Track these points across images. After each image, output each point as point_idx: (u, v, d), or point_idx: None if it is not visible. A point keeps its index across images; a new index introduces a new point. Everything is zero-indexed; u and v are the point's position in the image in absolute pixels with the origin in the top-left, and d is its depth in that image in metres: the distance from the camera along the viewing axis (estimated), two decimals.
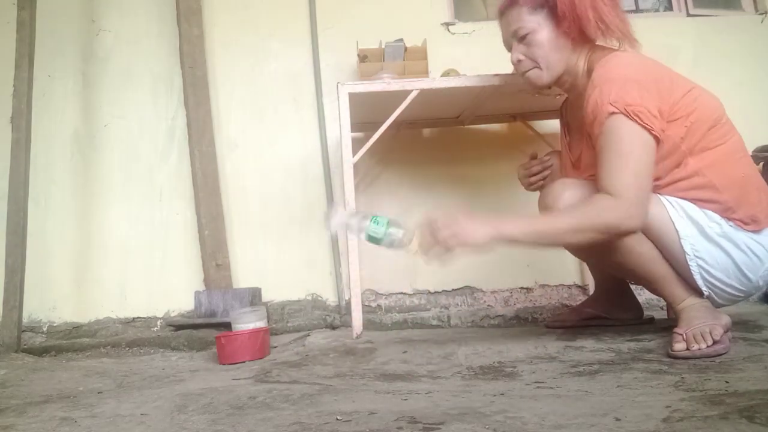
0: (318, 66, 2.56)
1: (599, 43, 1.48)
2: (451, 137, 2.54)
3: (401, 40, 2.20)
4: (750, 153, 2.25)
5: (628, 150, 1.30)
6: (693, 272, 1.34)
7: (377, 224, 1.31)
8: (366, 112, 2.07)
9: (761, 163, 2.25)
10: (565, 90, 1.59)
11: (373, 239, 1.32)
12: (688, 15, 2.74)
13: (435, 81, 1.90)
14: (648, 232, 1.36)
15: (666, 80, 1.36)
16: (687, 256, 1.33)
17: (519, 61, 1.51)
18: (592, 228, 1.29)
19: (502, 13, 1.53)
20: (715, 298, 1.38)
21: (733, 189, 1.34)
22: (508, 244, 1.30)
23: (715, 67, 2.62)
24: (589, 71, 1.43)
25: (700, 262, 1.33)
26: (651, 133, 1.30)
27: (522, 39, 1.49)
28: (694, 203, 1.35)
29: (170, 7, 2.56)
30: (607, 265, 1.53)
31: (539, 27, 1.46)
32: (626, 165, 1.29)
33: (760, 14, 2.74)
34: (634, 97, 1.30)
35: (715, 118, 1.37)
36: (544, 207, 1.47)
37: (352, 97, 1.88)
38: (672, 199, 1.36)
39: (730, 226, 1.33)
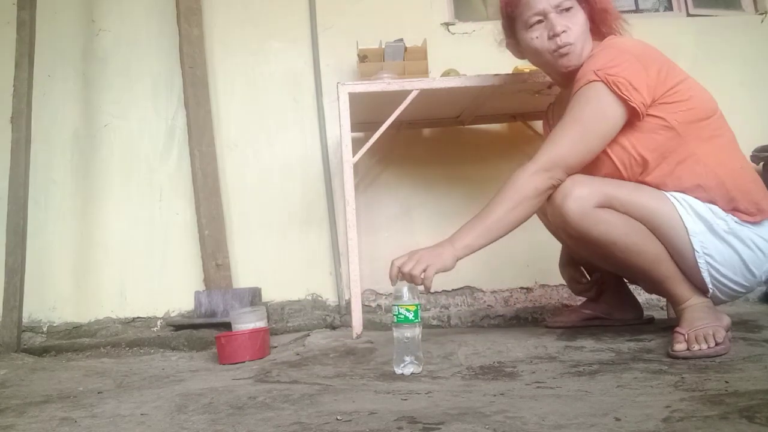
0: (318, 66, 2.56)
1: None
2: (451, 137, 2.54)
3: (401, 40, 2.20)
4: (750, 153, 2.27)
5: (585, 117, 1.34)
6: (701, 269, 1.33)
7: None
8: (366, 112, 2.07)
9: (761, 163, 2.25)
10: (570, 82, 1.51)
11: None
12: (688, 15, 2.74)
13: (435, 81, 1.90)
14: (656, 230, 1.35)
15: (664, 65, 1.38)
16: (696, 254, 1.33)
17: (564, 31, 1.41)
18: (525, 197, 1.34)
19: None
20: (719, 295, 1.38)
21: (734, 179, 1.35)
22: (470, 253, 1.35)
23: (715, 67, 2.62)
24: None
25: (709, 259, 1.33)
26: (628, 104, 1.32)
27: (566, 11, 1.42)
28: (699, 199, 1.34)
29: (170, 7, 2.56)
30: (613, 265, 1.51)
31: (577, 8, 1.43)
32: (570, 131, 1.35)
33: (760, 14, 2.74)
34: (620, 68, 1.32)
35: (710, 109, 1.39)
36: (551, 207, 1.41)
37: (352, 97, 1.88)
38: (679, 195, 1.35)
39: (736, 222, 1.33)
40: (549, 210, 1.41)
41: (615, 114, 1.33)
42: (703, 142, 1.36)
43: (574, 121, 1.36)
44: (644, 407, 0.88)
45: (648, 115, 1.35)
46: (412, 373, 1.31)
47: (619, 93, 1.31)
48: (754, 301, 2.21)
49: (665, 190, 1.37)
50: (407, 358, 1.32)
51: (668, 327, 1.51)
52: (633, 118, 1.35)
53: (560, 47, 1.42)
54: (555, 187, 1.36)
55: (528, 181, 1.34)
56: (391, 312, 1.34)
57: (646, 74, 1.33)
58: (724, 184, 1.34)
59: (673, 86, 1.35)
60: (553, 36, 1.42)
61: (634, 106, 1.31)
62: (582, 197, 1.34)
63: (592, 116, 1.34)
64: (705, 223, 1.33)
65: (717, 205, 1.34)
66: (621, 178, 1.40)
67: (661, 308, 2.19)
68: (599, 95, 1.33)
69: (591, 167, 1.41)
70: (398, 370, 1.32)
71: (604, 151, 1.39)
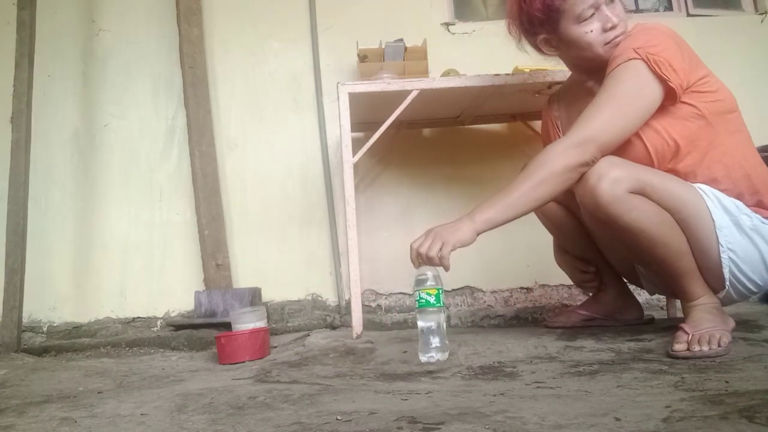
0: (318, 66, 2.56)
1: None
2: (451, 137, 2.54)
3: (401, 40, 2.20)
4: None
5: (623, 93, 1.32)
6: (723, 264, 1.32)
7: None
8: (366, 112, 2.07)
9: None
10: (596, 71, 1.49)
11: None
12: (688, 15, 2.74)
13: (435, 81, 1.90)
14: (684, 221, 1.32)
15: (694, 54, 1.39)
16: (720, 248, 1.31)
17: (619, 22, 1.41)
18: (553, 174, 1.30)
19: None
20: (732, 293, 1.37)
21: (757, 173, 1.36)
22: (491, 227, 1.31)
23: (715, 67, 2.58)
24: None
25: (732, 255, 1.32)
26: (667, 84, 1.31)
27: (612, 2, 1.42)
28: (726, 192, 1.34)
29: (170, 7, 2.56)
30: (631, 252, 1.47)
31: None
32: (607, 107, 1.31)
33: (760, 14, 2.74)
34: (660, 48, 1.31)
35: (734, 104, 1.40)
36: (582, 188, 1.35)
37: (352, 97, 1.88)
38: (706, 188, 1.34)
39: (759, 220, 1.33)
40: (579, 191, 1.35)
41: (653, 93, 1.32)
42: (729, 134, 1.37)
43: (610, 98, 1.32)
44: (644, 407, 0.88)
45: (681, 101, 1.35)
46: (437, 360, 1.30)
47: (659, 72, 1.30)
48: (754, 301, 2.21)
49: (694, 181, 1.36)
50: (433, 343, 1.30)
51: (668, 327, 1.51)
52: (668, 101, 1.34)
53: (616, 37, 1.41)
54: (587, 165, 1.31)
55: (558, 156, 1.30)
56: (414, 298, 1.34)
57: (682, 59, 1.33)
58: (750, 176, 1.35)
59: (702, 77, 1.37)
60: (610, 28, 1.41)
61: (673, 86, 1.30)
62: (618, 180, 1.27)
63: (630, 93, 1.32)
64: (731, 217, 1.32)
65: (743, 199, 1.34)
66: (651, 165, 1.38)
67: (661, 308, 2.19)
68: (638, 73, 1.31)
69: (621, 152, 1.37)
70: (423, 359, 1.31)
71: (637, 135, 1.37)
